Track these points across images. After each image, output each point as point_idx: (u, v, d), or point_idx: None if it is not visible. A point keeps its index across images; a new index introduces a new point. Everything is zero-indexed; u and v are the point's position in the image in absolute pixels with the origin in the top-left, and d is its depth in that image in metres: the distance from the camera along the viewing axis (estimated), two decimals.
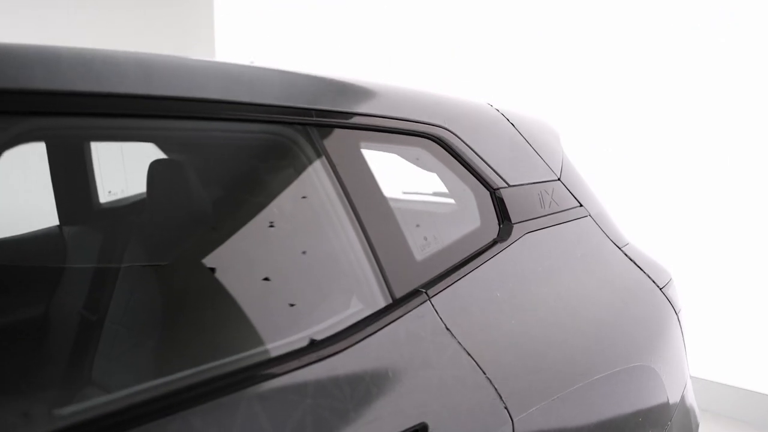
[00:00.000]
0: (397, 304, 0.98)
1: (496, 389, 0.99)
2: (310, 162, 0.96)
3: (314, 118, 0.97)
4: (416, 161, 1.15)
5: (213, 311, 0.89)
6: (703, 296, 2.90)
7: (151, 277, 0.90)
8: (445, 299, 1.04)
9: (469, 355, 1.00)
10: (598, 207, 1.55)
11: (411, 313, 0.98)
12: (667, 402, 1.34)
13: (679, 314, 1.54)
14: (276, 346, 0.86)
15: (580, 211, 1.44)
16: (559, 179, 1.43)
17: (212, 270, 0.89)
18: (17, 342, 0.78)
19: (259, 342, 0.87)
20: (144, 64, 0.81)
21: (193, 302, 0.90)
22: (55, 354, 0.79)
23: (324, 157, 0.98)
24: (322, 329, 0.91)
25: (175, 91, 0.82)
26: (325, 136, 0.99)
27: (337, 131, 1.01)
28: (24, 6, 4.35)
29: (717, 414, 2.87)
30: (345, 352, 0.88)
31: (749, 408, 2.80)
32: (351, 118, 1.03)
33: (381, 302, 0.97)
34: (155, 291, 0.91)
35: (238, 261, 0.91)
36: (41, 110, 0.71)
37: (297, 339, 0.88)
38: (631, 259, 1.49)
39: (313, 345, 0.87)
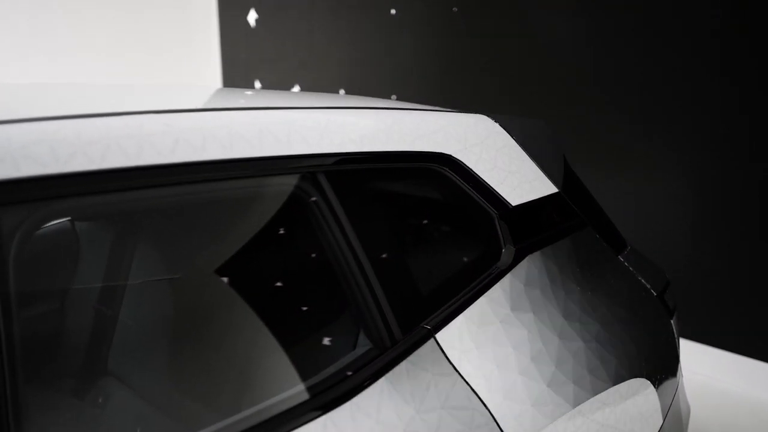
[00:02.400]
0: (403, 342, 1.01)
1: (497, 422, 1.03)
2: (319, 208, 0.97)
3: (322, 164, 0.97)
4: (421, 192, 1.15)
5: (224, 357, 0.91)
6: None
7: (163, 323, 0.92)
8: (449, 333, 1.06)
9: (471, 388, 1.03)
10: (598, 215, 1.56)
11: (417, 351, 1.01)
12: (659, 410, 1.39)
13: (673, 318, 1.57)
14: (287, 395, 0.89)
15: (580, 223, 1.45)
16: (560, 192, 1.44)
17: (228, 315, 0.91)
18: None
19: (271, 392, 0.89)
20: (158, 131, 0.80)
21: (204, 348, 0.92)
22: None
23: (331, 201, 0.98)
24: (328, 375, 0.94)
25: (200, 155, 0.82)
26: (332, 179, 0.99)
27: (344, 173, 1.01)
28: (25, 5, 4.25)
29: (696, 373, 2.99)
30: (350, 401, 0.91)
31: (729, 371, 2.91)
32: (355, 157, 1.03)
33: (387, 342, 1.00)
34: (165, 336, 0.93)
35: (248, 309, 0.93)
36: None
37: (300, 389, 0.91)
38: (629, 267, 1.52)
39: (316, 395, 0.90)
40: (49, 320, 0.76)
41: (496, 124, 1.38)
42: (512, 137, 1.39)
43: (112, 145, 0.74)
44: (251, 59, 4.94)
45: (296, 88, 4.68)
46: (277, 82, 4.74)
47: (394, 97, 3.94)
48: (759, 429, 2.56)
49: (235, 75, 5.14)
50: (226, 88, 1.72)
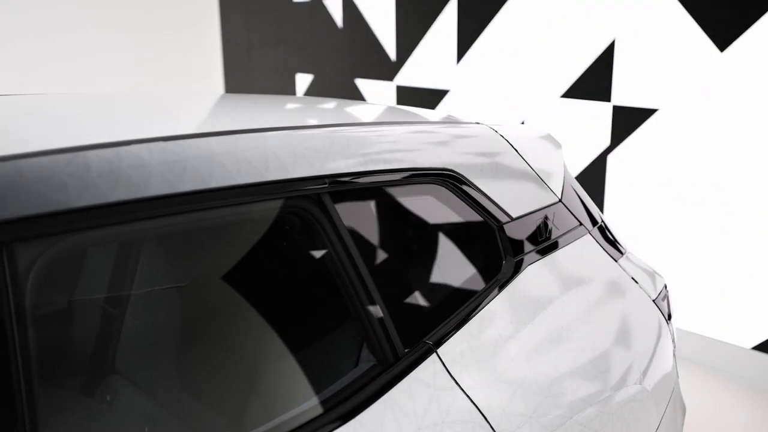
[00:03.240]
0: (406, 358, 1.04)
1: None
2: (324, 229, 0.99)
3: (327, 186, 0.99)
4: (424, 208, 1.17)
5: (231, 374, 0.94)
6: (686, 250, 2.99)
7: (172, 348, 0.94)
8: (450, 348, 1.09)
9: (473, 402, 1.06)
10: (597, 221, 1.58)
11: (419, 367, 1.04)
12: (655, 415, 1.42)
13: (670, 322, 1.60)
14: (296, 411, 0.92)
15: (580, 231, 1.48)
16: (560, 201, 1.45)
17: (237, 330, 0.93)
18: None
19: (279, 410, 0.92)
20: (168, 160, 0.82)
21: (214, 364, 0.95)
22: None
23: (335, 222, 1.00)
24: (333, 393, 0.96)
25: (199, 184, 0.84)
26: (337, 200, 1.01)
27: (348, 193, 1.03)
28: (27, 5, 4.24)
29: (691, 361, 3.04)
30: (355, 418, 0.94)
31: (722, 357, 2.96)
32: (360, 177, 1.05)
33: (391, 359, 1.02)
34: (174, 360, 0.95)
35: (256, 327, 0.95)
36: (76, 228, 0.73)
37: (306, 407, 0.93)
38: (626, 273, 1.54)
39: (322, 414, 0.93)
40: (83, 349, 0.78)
41: (498, 135, 1.40)
42: (514, 148, 1.40)
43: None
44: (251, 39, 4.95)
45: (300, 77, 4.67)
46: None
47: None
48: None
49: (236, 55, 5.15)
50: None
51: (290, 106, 1.33)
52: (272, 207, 0.94)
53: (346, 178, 1.02)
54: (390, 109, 1.50)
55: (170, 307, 0.94)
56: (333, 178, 1.00)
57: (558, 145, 1.63)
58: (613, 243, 1.60)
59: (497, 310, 1.19)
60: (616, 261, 1.55)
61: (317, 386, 0.96)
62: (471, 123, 1.39)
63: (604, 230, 1.59)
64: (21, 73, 4.28)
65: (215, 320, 0.92)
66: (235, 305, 0.94)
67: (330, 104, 1.49)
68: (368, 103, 1.62)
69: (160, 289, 0.91)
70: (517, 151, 1.40)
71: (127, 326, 0.88)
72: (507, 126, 1.49)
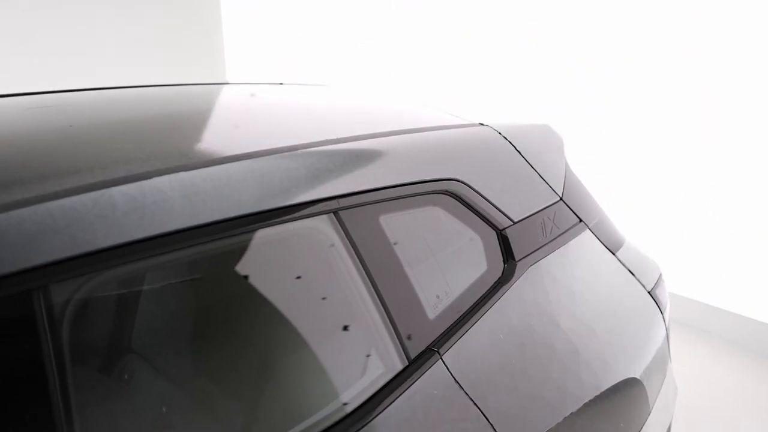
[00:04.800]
0: (413, 366, 1.09)
1: None
2: (335, 246, 1.03)
3: (338, 205, 1.03)
4: (428, 216, 1.20)
5: (255, 380, 1.00)
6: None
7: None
8: (454, 354, 1.14)
9: (475, 404, 1.12)
10: (597, 214, 1.62)
11: (426, 374, 1.09)
12: (648, 403, 1.49)
13: (664, 313, 1.66)
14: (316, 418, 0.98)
15: (580, 227, 1.52)
16: (561, 199, 1.49)
17: (260, 340, 0.99)
18: None
19: (297, 418, 0.98)
20: (188, 191, 0.86)
21: (238, 370, 1.00)
22: None
23: (346, 238, 1.04)
24: (345, 402, 1.02)
25: (218, 215, 0.87)
26: (348, 217, 1.05)
27: (357, 210, 1.07)
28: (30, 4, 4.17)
29: (684, 324, 3.14)
30: (367, 425, 1.00)
31: (714, 321, 3.06)
32: (369, 194, 1.08)
33: (398, 366, 1.08)
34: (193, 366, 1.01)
35: (278, 338, 1.01)
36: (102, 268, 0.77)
37: (321, 416, 0.99)
38: (624, 265, 1.59)
39: (336, 423, 0.99)
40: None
41: (500, 136, 1.42)
42: (516, 149, 1.43)
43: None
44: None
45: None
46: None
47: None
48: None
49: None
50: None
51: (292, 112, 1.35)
52: (289, 228, 0.98)
53: (356, 196, 1.06)
54: (392, 109, 1.52)
55: (197, 318, 0.98)
56: (344, 197, 1.04)
57: (560, 140, 1.66)
58: (613, 235, 1.64)
59: (499, 314, 1.24)
60: (614, 254, 1.60)
61: (329, 396, 1.02)
62: (474, 125, 1.42)
63: (604, 223, 1.63)
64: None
65: (239, 325, 0.97)
66: (254, 313, 0.99)
67: (327, 99, 1.51)
68: (368, 98, 1.63)
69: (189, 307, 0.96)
70: (520, 153, 1.42)
71: (157, 350, 0.93)
72: (510, 124, 1.51)
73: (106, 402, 0.80)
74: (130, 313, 0.84)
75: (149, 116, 1.23)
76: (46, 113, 1.19)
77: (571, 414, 1.26)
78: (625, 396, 1.40)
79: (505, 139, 1.43)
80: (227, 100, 1.52)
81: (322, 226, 1.02)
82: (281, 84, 1.93)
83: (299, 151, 1.05)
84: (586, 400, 1.29)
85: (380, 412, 1.02)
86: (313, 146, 1.08)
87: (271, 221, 0.95)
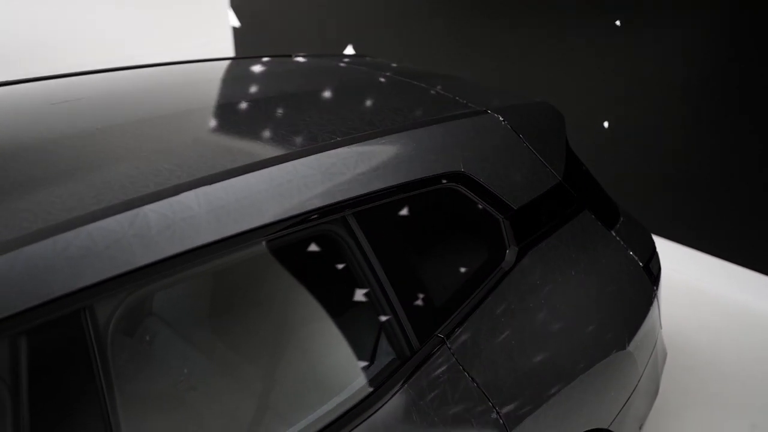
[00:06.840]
0: (420, 352, 1.18)
1: (497, 411, 1.23)
2: (350, 246, 1.10)
3: (351, 208, 1.09)
4: (434, 209, 1.26)
5: (285, 368, 1.09)
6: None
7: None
8: (458, 339, 1.23)
9: (477, 385, 1.22)
10: (595, 192, 1.68)
11: (432, 358, 1.18)
12: (637, 372, 1.60)
13: (656, 286, 1.74)
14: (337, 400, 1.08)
15: (578, 207, 1.58)
16: (561, 181, 1.55)
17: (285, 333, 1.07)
18: None
19: (315, 403, 1.08)
20: (214, 206, 0.92)
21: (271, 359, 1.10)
22: None
23: (359, 239, 1.11)
24: (359, 387, 1.12)
25: (238, 227, 0.94)
26: (359, 218, 1.11)
27: (370, 210, 1.13)
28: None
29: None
30: (381, 409, 1.10)
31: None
32: (379, 194, 1.14)
33: (407, 353, 1.17)
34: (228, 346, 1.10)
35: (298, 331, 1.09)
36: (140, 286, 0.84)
37: (336, 401, 1.09)
38: (620, 242, 1.66)
39: (352, 407, 1.09)
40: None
41: (502, 122, 1.46)
42: (519, 136, 1.48)
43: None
44: None
45: None
46: None
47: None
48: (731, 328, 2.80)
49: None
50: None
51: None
52: (307, 233, 1.05)
53: (367, 198, 1.12)
54: (396, 98, 1.55)
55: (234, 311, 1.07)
56: (356, 199, 1.10)
57: (561, 118, 1.69)
58: (610, 210, 1.70)
59: (501, 298, 1.32)
60: (611, 230, 1.66)
61: (343, 381, 1.12)
62: (479, 112, 1.46)
63: (602, 200, 1.69)
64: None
65: (269, 314, 1.05)
66: (278, 307, 1.07)
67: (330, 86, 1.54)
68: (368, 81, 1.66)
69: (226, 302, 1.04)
70: (522, 139, 1.47)
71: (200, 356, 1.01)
72: (510, 107, 1.54)
73: (152, 412, 0.89)
74: (168, 324, 0.92)
75: (165, 114, 1.27)
76: (71, 111, 1.22)
77: (566, 387, 1.36)
78: (616, 368, 1.50)
79: (509, 127, 1.47)
80: (240, 85, 1.55)
81: (336, 228, 1.08)
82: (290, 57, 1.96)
83: (320, 155, 1.10)
84: (580, 375, 1.39)
85: (393, 395, 1.11)
86: (329, 149, 1.13)
87: (288, 227, 1.01)
